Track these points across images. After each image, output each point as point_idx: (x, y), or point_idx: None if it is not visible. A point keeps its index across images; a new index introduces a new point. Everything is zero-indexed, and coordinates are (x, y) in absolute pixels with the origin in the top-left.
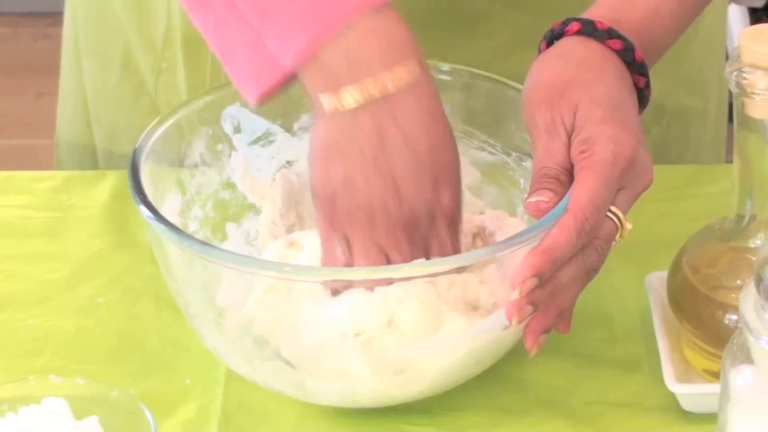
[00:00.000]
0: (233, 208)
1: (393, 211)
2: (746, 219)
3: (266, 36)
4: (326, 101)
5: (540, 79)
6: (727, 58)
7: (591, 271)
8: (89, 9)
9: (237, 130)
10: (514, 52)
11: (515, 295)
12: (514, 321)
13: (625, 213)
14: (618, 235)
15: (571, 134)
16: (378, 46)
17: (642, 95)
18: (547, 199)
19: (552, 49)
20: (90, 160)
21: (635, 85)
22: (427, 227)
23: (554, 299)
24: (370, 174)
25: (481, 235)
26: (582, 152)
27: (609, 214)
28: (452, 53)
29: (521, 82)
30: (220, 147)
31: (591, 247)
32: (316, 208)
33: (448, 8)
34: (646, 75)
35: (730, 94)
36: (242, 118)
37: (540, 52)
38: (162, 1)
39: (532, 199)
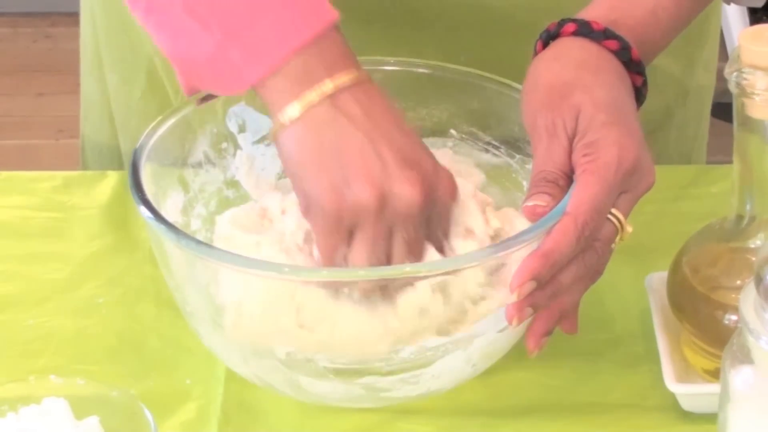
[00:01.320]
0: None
1: (403, 195)
2: (746, 219)
3: (230, 49)
4: (293, 109)
5: (538, 81)
6: (722, 42)
7: (594, 274)
8: (111, 25)
9: (242, 129)
10: (528, 51)
11: (514, 298)
12: (514, 323)
13: (626, 215)
14: (618, 238)
15: (573, 138)
16: (325, 60)
17: (639, 93)
18: (544, 204)
19: (548, 50)
20: (117, 162)
21: (633, 84)
22: (432, 208)
23: (555, 301)
24: (368, 163)
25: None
26: (585, 155)
27: (610, 216)
28: (465, 51)
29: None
30: (224, 145)
31: (590, 250)
32: (316, 217)
33: (462, 5)
34: (643, 74)
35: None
36: (247, 117)
37: (536, 52)
38: None
39: (530, 203)
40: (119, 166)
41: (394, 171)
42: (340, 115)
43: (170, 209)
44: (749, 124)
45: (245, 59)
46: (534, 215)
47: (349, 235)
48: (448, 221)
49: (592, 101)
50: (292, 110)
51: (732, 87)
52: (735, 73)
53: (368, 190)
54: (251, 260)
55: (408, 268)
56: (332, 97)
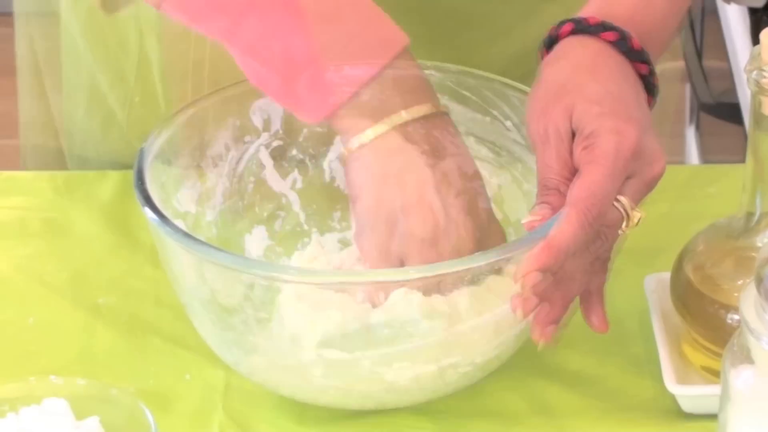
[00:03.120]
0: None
1: (450, 235)
2: (756, 217)
3: (296, 86)
4: (363, 136)
5: (539, 88)
6: (693, 31)
7: (596, 261)
8: (49, 44)
9: (267, 124)
10: (494, 43)
11: (517, 288)
12: (519, 313)
13: (635, 201)
14: (625, 224)
15: (568, 139)
16: (400, 89)
17: (648, 82)
18: (540, 218)
19: (551, 54)
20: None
21: (639, 73)
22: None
23: (561, 291)
24: (428, 197)
25: None
26: (584, 148)
27: (615, 203)
28: (438, 47)
29: (501, 74)
30: (247, 139)
31: (598, 237)
32: (367, 237)
33: (431, 5)
34: (647, 62)
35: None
36: (272, 112)
37: (541, 59)
38: (132, 35)
39: (527, 220)
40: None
41: (452, 212)
42: (408, 146)
43: (183, 201)
44: (765, 122)
45: (312, 95)
46: (533, 231)
47: (399, 264)
48: None
49: (585, 97)
50: (363, 137)
51: (750, 85)
52: (755, 72)
53: (423, 224)
54: (255, 262)
55: (413, 271)
56: (403, 127)
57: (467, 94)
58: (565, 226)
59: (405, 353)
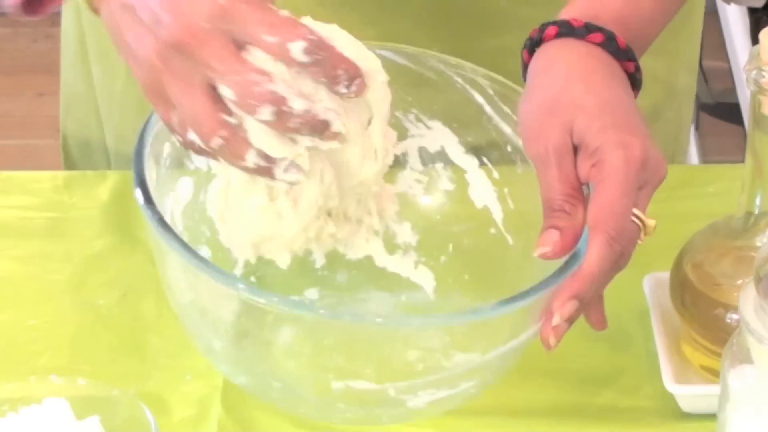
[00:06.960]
0: None
1: (173, 32)
2: (755, 217)
3: None
4: None
5: (530, 101)
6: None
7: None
8: (94, 17)
9: None
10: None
11: (556, 320)
12: (553, 342)
13: (644, 210)
14: (643, 233)
15: (570, 156)
16: None
17: (634, 78)
18: (550, 248)
19: (537, 60)
20: (104, 159)
21: (626, 71)
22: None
23: None
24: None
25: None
26: (593, 166)
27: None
28: (461, 51)
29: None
30: None
31: (621, 255)
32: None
33: (458, 6)
34: (634, 59)
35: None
36: None
37: (523, 61)
38: None
39: (537, 252)
40: (107, 164)
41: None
42: None
43: (182, 198)
44: (764, 122)
45: None
46: (547, 259)
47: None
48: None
49: (583, 111)
50: None
51: (750, 85)
52: (754, 71)
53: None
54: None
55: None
56: None
57: (460, 87)
58: (592, 253)
59: (431, 383)
